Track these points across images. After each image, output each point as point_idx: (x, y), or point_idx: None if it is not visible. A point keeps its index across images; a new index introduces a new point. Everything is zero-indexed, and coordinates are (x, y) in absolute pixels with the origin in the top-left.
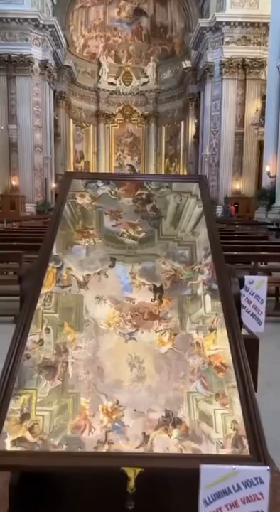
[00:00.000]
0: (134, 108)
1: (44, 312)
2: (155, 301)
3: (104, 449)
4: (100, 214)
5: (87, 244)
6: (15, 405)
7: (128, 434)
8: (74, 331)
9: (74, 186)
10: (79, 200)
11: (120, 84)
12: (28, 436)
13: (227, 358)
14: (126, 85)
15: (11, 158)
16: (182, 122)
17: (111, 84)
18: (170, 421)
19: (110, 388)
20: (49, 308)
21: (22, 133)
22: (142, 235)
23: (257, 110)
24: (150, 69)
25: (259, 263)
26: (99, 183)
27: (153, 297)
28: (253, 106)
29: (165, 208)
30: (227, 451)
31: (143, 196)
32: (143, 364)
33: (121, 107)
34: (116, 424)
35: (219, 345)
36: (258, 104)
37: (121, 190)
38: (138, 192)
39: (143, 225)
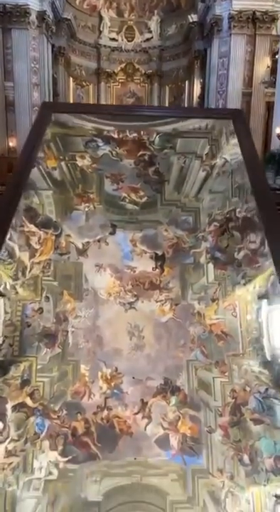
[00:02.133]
0: (137, 66)
1: (43, 280)
2: (157, 270)
3: (103, 415)
4: (101, 177)
5: (86, 209)
6: (15, 372)
7: (126, 400)
8: (74, 299)
9: (74, 146)
10: (79, 162)
11: (122, 40)
12: (29, 402)
13: (229, 326)
14: (128, 41)
15: (8, 118)
16: (186, 82)
17: (113, 40)
18: (168, 388)
19: (109, 356)
20: (48, 276)
21: (19, 91)
22: (144, 200)
23: (268, 67)
24: (154, 23)
25: None
26: (100, 143)
27: (154, 266)
28: (263, 64)
29: (169, 172)
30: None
31: (146, 158)
32: (142, 333)
33: (123, 65)
34: (115, 390)
35: (220, 315)
36: (268, 61)
37: (122, 151)
38: (141, 153)
39: (146, 189)
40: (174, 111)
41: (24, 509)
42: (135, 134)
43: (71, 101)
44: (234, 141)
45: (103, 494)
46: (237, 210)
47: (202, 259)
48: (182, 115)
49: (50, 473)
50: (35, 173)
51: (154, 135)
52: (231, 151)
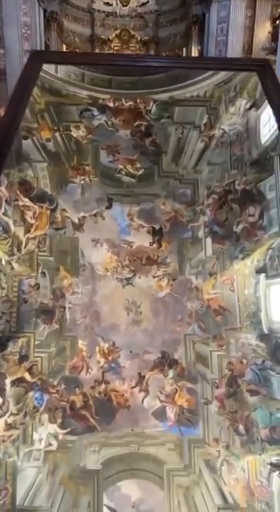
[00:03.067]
0: (132, 33)
1: (39, 255)
2: (154, 245)
3: (101, 388)
4: (96, 149)
5: (82, 182)
6: (13, 347)
7: (124, 374)
8: (71, 275)
9: (68, 115)
10: (74, 133)
11: (117, 4)
12: (27, 377)
13: (226, 300)
14: (123, 6)
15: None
16: (184, 49)
17: (107, 4)
18: (166, 362)
19: (107, 331)
20: (44, 251)
21: (10, 58)
22: (141, 172)
23: (269, 33)
24: None
25: None
26: (95, 112)
27: (151, 240)
28: (263, 30)
29: (166, 142)
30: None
31: (143, 128)
32: (140, 308)
33: (118, 32)
34: (113, 364)
35: (218, 290)
36: (268, 27)
37: (118, 121)
38: (137, 123)
39: (142, 160)
40: (187, 61)
41: (25, 478)
42: (131, 103)
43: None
44: (233, 109)
45: (102, 463)
46: (236, 182)
47: (201, 234)
48: (197, 66)
49: (50, 444)
50: (29, 145)
51: (151, 104)
52: (230, 121)
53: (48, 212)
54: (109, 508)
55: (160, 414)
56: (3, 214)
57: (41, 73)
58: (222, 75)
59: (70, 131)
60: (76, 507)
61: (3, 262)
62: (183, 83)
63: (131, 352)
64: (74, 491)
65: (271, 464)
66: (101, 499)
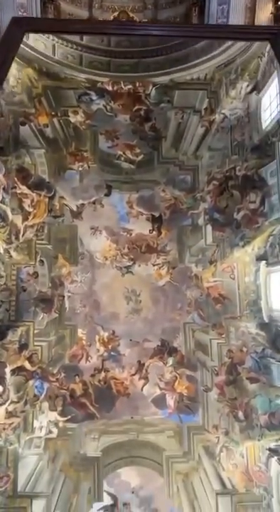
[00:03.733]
0: (131, 15)
1: (37, 243)
2: (154, 233)
3: (101, 376)
4: (95, 134)
5: (80, 169)
6: (13, 336)
7: (123, 362)
8: (70, 264)
9: (66, 100)
10: (72, 118)
11: None
12: (27, 365)
13: (226, 289)
14: None
15: None
16: None
17: None
18: (165, 350)
19: (106, 320)
20: (42, 239)
21: None
22: (140, 157)
23: (271, 13)
24: None
25: None
26: (93, 96)
27: (151, 228)
28: (265, 11)
29: (166, 127)
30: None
31: (142, 113)
32: (139, 297)
33: (116, 14)
34: (112, 353)
35: (218, 278)
36: (271, 8)
37: (117, 105)
38: (136, 107)
39: (142, 146)
40: (192, 29)
41: (26, 465)
42: (130, 86)
43: None
44: (234, 93)
45: (101, 450)
46: (237, 168)
47: (201, 221)
48: (202, 35)
49: (50, 431)
50: (26, 131)
51: (150, 87)
52: (230, 105)
53: (46, 200)
54: (109, 494)
55: (159, 402)
56: (0, 202)
57: (39, 56)
58: (223, 56)
59: (68, 116)
60: (77, 493)
61: (1, 251)
62: (183, 65)
63: (130, 340)
64: (75, 477)
65: (270, 450)
66: (101, 485)
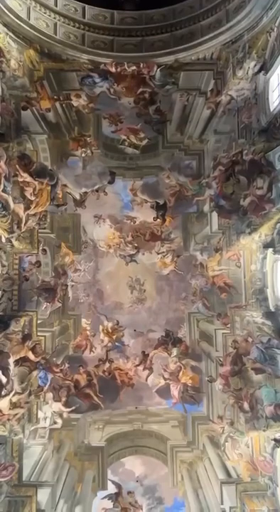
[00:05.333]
0: None
1: (39, 232)
2: (158, 220)
3: (105, 367)
4: (98, 118)
5: (83, 155)
6: (16, 326)
7: (128, 352)
8: (73, 252)
9: (69, 83)
10: (75, 102)
11: None
12: (31, 356)
13: (232, 277)
14: None
15: None
16: None
17: None
18: (170, 340)
19: (110, 310)
20: (44, 228)
21: None
22: (145, 142)
23: None
24: None
25: None
26: (96, 79)
27: (155, 216)
28: None
29: (171, 110)
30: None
31: (146, 96)
32: (143, 286)
33: None
34: (117, 343)
35: (224, 266)
36: None
37: (120, 88)
38: (141, 90)
39: (146, 130)
40: None
41: (31, 455)
42: (134, 68)
43: None
44: (241, 73)
45: (106, 440)
46: (244, 152)
47: (206, 208)
48: None
49: (55, 422)
50: (28, 116)
51: (155, 68)
52: (237, 86)
53: (49, 188)
54: (113, 482)
55: (164, 392)
56: (2, 191)
57: (40, 36)
58: (231, 33)
59: (71, 100)
60: (81, 482)
61: (3, 240)
62: (189, 44)
63: (135, 330)
64: (79, 466)
65: (275, 440)
66: (105, 474)
